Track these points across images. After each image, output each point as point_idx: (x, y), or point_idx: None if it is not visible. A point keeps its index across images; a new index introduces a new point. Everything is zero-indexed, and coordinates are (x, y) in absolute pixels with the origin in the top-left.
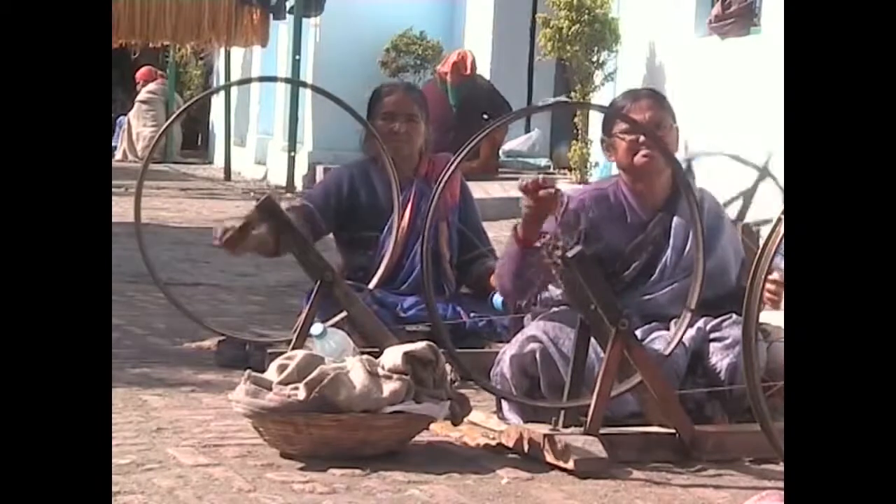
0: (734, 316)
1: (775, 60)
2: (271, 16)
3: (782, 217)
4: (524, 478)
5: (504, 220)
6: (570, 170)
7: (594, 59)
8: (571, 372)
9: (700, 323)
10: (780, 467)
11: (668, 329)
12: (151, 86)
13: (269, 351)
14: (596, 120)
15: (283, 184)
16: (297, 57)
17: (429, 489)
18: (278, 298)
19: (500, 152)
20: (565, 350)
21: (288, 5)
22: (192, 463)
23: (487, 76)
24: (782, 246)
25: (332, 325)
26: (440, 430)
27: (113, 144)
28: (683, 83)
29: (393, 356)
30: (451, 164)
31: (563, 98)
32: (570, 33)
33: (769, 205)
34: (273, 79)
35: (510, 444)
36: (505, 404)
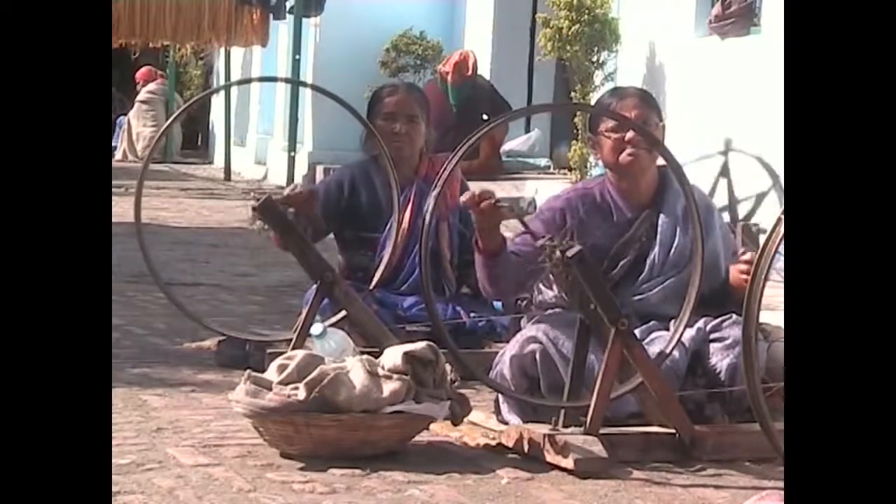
0: (734, 316)
1: (775, 60)
2: (271, 16)
3: (782, 217)
4: (524, 478)
5: (504, 220)
6: (570, 170)
7: (594, 59)
8: (571, 372)
9: (700, 323)
10: (780, 467)
11: (667, 329)
12: (151, 86)
13: (269, 351)
14: None
15: (283, 184)
16: (297, 57)
17: (429, 489)
18: (278, 298)
19: (500, 152)
20: (565, 351)
21: (288, 5)
22: (192, 463)
23: (487, 76)
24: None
25: (332, 325)
26: (440, 430)
27: (113, 144)
28: (683, 83)
29: (393, 356)
30: (448, 162)
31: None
32: (570, 33)
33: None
34: (273, 79)
35: (510, 444)
36: (504, 406)
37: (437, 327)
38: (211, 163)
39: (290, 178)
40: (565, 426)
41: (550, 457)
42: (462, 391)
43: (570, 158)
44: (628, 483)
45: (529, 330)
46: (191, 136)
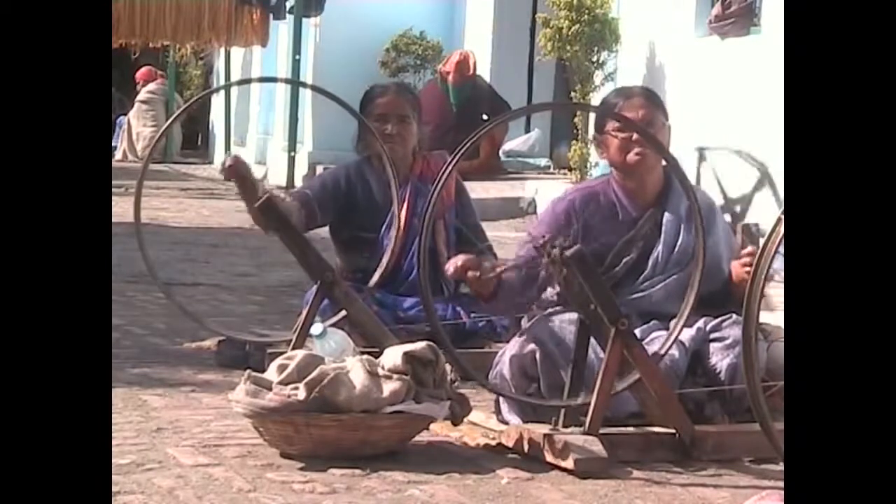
0: (734, 316)
1: (775, 60)
2: (271, 16)
3: (782, 217)
4: (524, 478)
5: (504, 219)
6: (570, 170)
7: (594, 59)
8: (571, 372)
9: (700, 323)
10: (780, 467)
11: (667, 329)
12: (151, 86)
13: (269, 351)
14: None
15: (284, 184)
16: (297, 57)
17: (429, 489)
18: (278, 298)
19: (500, 152)
20: (565, 350)
21: (288, 5)
22: (192, 463)
23: (487, 76)
24: (782, 246)
25: (332, 326)
26: (440, 430)
27: (113, 144)
28: (683, 83)
29: (393, 356)
30: (448, 163)
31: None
32: (570, 33)
33: (769, 209)
34: (273, 79)
35: (510, 444)
36: (504, 406)
37: (437, 330)
38: (211, 163)
39: (290, 178)
40: (565, 426)
41: (550, 457)
42: (462, 391)
43: (570, 158)
44: (628, 483)
45: (529, 330)
46: (191, 136)
